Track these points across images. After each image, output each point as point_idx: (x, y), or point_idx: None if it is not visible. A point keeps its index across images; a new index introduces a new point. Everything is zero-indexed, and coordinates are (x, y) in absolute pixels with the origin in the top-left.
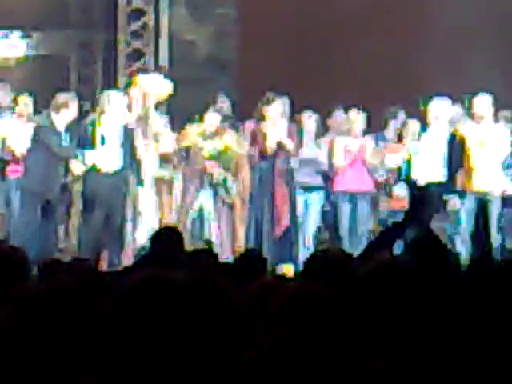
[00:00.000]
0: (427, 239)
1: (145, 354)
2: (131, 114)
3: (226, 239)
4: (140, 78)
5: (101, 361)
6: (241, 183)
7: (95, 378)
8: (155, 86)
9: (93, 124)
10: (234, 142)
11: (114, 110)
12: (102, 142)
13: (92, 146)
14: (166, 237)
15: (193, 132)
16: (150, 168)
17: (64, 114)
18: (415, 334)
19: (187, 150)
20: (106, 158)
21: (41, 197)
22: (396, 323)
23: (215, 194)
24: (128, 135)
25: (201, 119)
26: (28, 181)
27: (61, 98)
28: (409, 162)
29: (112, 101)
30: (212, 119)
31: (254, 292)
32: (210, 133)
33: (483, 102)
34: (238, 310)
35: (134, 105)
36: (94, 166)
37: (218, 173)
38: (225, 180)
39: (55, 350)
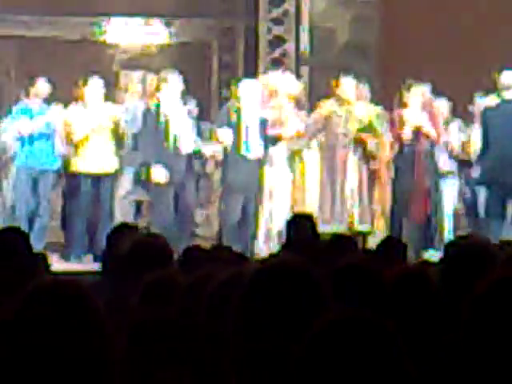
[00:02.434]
0: None
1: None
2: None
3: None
4: (270, 76)
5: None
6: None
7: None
8: (286, 85)
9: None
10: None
11: (251, 100)
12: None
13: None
14: (298, 223)
15: (327, 103)
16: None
17: None
18: None
19: (326, 121)
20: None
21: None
22: None
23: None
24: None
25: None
26: None
27: None
28: None
29: (249, 90)
30: (348, 83)
31: (396, 277)
32: (344, 99)
33: None
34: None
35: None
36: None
37: (370, 141)
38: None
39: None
